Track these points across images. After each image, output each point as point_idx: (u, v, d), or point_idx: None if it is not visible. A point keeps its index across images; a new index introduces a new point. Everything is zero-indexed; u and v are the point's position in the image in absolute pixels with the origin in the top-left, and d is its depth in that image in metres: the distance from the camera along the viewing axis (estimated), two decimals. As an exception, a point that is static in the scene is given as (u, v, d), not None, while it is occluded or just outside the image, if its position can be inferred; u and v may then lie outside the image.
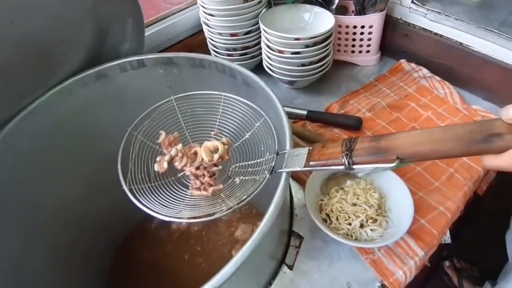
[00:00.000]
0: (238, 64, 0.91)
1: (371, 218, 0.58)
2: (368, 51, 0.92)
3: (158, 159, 0.51)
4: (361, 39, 0.90)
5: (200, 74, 0.69)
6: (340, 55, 0.94)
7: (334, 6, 0.89)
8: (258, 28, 0.84)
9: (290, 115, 0.82)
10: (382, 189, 0.63)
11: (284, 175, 0.42)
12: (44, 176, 0.60)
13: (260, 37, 0.86)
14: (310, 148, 0.44)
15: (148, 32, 0.92)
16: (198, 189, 0.47)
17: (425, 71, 0.88)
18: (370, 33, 0.88)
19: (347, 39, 0.91)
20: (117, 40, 0.68)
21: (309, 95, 0.89)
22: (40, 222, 0.60)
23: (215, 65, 0.66)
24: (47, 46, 0.56)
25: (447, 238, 0.91)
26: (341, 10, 0.92)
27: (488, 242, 0.99)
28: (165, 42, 0.97)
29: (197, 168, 0.49)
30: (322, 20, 0.83)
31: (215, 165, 0.50)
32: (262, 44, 0.85)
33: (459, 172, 0.70)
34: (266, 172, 0.44)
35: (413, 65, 0.89)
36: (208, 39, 0.92)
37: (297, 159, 0.43)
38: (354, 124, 0.77)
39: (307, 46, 0.78)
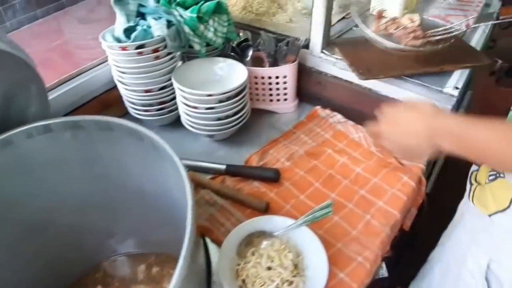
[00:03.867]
0: (157, 119, 0.91)
1: (287, 281, 0.56)
2: (285, 99, 0.94)
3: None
4: (277, 88, 0.92)
5: (109, 137, 0.66)
6: (259, 104, 0.95)
7: (248, 58, 0.91)
8: (172, 83, 0.83)
9: (209, 171, 0.80)
10: (299, 247, 0.62)
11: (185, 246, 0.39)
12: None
13: (175, 91, 0.84)
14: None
15: (61, 90, 0.88)
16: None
17: (339, 116, 0.91)
18: (285, 82, 0.90)
19: (263, 89, 0.92)
20: (22, 105, 0.64)
21: (229, 146, 0.88)
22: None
23: (121, 127, 0.63)
24: None
25: (383, 272, 0.91)
26: (257, 61, 0.94)
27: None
28: (80, 99, 0.92)
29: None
30: (237, 73, 0.84)
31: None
32: (177, 100, 0.84)
33: (375, 218, 0.71)
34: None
35: (328, 111, 0.92)
36: (123, 96, 0.89)
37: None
38: (272, 177, 0.76)
39: (220, 101, 0.78)
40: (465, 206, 0.72)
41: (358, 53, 0.87)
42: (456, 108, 0.92)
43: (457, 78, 0.82)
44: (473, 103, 1.26)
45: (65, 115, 0.88)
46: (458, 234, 0.74)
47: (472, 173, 0.69)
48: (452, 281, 0.73)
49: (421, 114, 0.54)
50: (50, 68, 0.97)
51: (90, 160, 0.64)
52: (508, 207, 0.59)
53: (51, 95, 0.84)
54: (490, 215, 0.62)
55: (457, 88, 0.79)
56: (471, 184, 0.69)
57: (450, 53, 0.86)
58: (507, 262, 0.62)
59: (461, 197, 0.91)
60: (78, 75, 0.93)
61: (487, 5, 1.22)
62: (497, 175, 0.61)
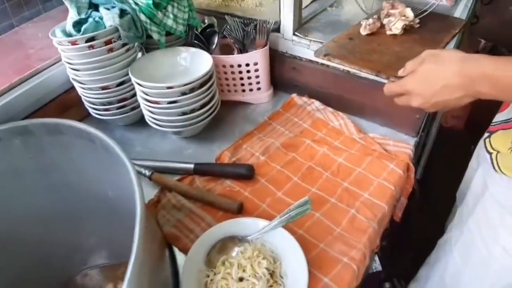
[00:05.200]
0: (119, 118, 0.83)
1: (262, 292, 0.49)
2: (259, 88, 0.87)
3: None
4: (249, 77, 0.84)
5: (61, 141, 0.61)
6: (230, 95, 0.88)
7: (214, 46, 0.83)
8: (132, 77, 0.75)
9: (177, 171, 0.72)
10: (276, 251, 0.55)
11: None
12: None
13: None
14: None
15: (14, 94, 0.80)
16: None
17: (317, 103, 0.84)
18: (256, 70, 0.83)
19: (234, 79, 0.84)
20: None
21: (199, 143, 0.80)
22: None
23: (72, 130, 0.58)
24: None
25: (377, 265, 0.85)
26: (226, 49, 0.86)
27: (422, 256, 0.95)
28: (36, 102, 0.84)
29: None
30: (202, 62, 0.76)
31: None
32: (138, 96, 0.76)
33: (361, 212, 0.64)
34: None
35: (305, 98, 0.85)
36: (81, 95, 0.81)
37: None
38: (245, 174, 0.69)
39: (184, 94, 0.70)
40: (487, 177, 0.66)
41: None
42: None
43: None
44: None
45: (21, 121, 0.81)
46: (482, 209, 0.67)
47: (484, 141, 0.65)
48: (480, 263, 0.67)
49: (451, 65, 0.49)
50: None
51: (45, 168, 0.60)
52: None
53: (3, 101, 0.76)
54: None
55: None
56: (489, 153, 0.64)
57: (433, 28, 0.80)
58: None
59: (459, 177, 0.85)
60: (32, 76, 0.85)
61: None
62: None
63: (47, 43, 0.79)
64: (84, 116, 0.88)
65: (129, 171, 0.48)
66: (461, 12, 0.94)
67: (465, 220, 0.72)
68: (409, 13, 0.78)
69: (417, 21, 0.79)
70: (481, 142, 0.67)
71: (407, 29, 0.77)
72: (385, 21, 0.79)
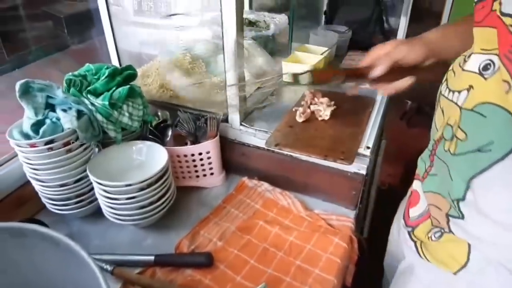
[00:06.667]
0: (77, 212, 0.84)
1: None
2: (212, 173, 0.93)
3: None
4: (202, 164, 0.91)
5: (23, 243, 0.60)
6: (185, 181, 0.93)
7: (168, 138, 0.90)
8: (90, 173, 0.78)
9: (137, 264, 0.74)
10: None
11: None
12: None
13: (92, 182, 0.80)
14: None
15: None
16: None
17: (266, 185, 0.92)
18: (209, 157, 0.90)
19: (188, 166, 0.90)
20: None
21: (158, 232, 0.83)
22: None
23: (35, 233, 0.59)
24: None
25: None
26: (179, 139, 0.93)
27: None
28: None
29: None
30: (157, 155, 0.82)
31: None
32: (96, 193, 0.79)
33: (314, 288, 0.70)
34: None
35: (255, 181, 0.93)
36: (39, 192, 0.83)
37: None
38: (204, 262, 0.73)
39: (142, 189, 0.75)
40: (415, 261, 0.70)
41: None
42: (374, 163, 0.99)
43: (367, 137, 0.88)
44: (388, 149, 1.36)
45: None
46: None
47: (408, 233, 0.71)
48: None
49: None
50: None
51: (4, 268, 0.58)
52: (467, 262, 0.59)
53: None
54: (455, 273, 0.61)
55: (368, 147, 0.84)
56: (413, 241, 0.70)
57: (351, 109, 0.96)
58: None
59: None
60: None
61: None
62: (442, 230, 0.63)
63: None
64: (40, 208, 0.88)
65: (97, 277, 0.50)
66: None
67: None
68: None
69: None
70: (405, 234, 0.72)
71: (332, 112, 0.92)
72: (312, 107, 0.93)
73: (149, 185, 0.75)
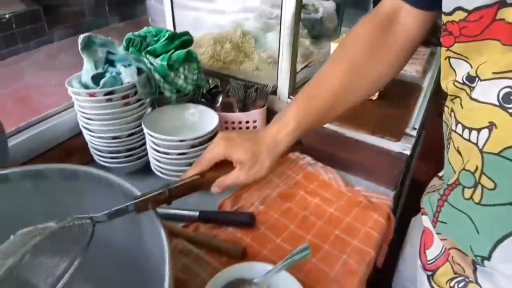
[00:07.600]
0: (125, 166, 0.88)
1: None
2: (255, 143, 0.95)
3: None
4: (248, 133, 0.93)
5: (74, 187, 0.62)
6: (230, 148, 0.96)
7: (218, 104, 0.92)
8: (142, 129, 0.82)
9: (182, 218, 0.78)
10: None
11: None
12: None
13: (145, 137, 0.83)
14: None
15: (21, 137, 0.84)
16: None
17: (308, 158, 0.93)
18: (255, 126, 0.92)
19: (234, 133, 0.93)
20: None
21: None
22: None
23: (89, 176, 0.60)
24: None
25: None
26: (227, 106, 0.96)
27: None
28: (41, 146, 0.89)
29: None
30: (208, 118, 0.85)
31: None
32: (148, 146, 0.83)
33: (352, 257, 0.71)
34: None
35: (297, 153, 0.95)
36: (89, 142, 0.87)
37: None
38: (247, 221, 0.75)
39: (193, 146, 0.78)
40: None
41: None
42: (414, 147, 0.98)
43: (414, 119, 0.89)
44: (424, 142, 1.35)
45: (24, 163, 0.84)
46: None
47: (428, 277, 0.62)
48: None
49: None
50: (7, 115, 0.93)
51: (53, 214, 0.57)
52: None
53: (10, 142, 0.80)
54: None
55: (414, 128, 0.85)
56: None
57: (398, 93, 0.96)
58: None
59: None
60: (41, 121, 0.90)
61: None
62: (466, 279, 0.53)
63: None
64: (86, 162, 0.92)
65: (152, 217, 0.53)
66: (428, 81, 1.10)
67: None
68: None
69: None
70: (423, 277, 0.63)
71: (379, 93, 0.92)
72: None
73: (200, 143, 0.78)
